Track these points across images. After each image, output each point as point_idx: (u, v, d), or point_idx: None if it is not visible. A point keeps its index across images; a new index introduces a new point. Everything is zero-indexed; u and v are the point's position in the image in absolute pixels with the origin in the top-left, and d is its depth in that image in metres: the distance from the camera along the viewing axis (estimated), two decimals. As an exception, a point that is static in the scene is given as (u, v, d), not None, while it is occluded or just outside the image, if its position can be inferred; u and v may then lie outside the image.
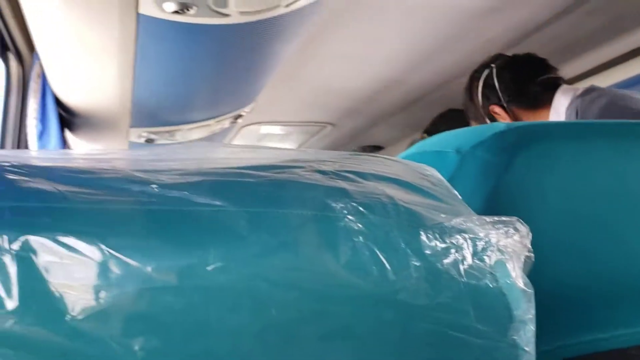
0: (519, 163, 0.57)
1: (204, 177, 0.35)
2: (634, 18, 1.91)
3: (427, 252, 0.32)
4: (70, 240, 0.29)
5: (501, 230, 0.35)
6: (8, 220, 0.30)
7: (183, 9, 0.97)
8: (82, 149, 0.45)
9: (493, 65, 1.48)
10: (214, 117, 1.82)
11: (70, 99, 1.55)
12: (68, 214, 0.31)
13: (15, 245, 0.28)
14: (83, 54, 1.19)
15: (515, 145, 0.58)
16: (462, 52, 2.13)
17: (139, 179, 0.34)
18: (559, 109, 1.31)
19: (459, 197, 0.43)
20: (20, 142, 1.60)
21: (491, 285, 0.33)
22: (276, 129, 3.20)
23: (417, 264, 0.32)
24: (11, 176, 0.33)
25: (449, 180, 0.59)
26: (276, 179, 0.35)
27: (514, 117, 1.43)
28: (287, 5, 1.03)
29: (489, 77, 1.47)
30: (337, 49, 1.96)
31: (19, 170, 0.34)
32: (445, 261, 0.32)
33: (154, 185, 0.33)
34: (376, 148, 3.82)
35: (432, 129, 2.93)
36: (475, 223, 0.35)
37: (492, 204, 0.56)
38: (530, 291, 0.35)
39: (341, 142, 3.55)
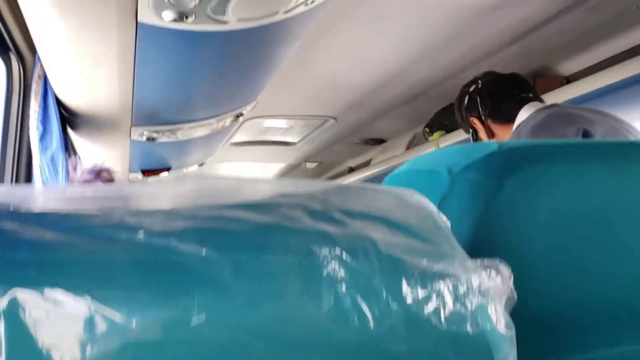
0: (509, 186, 0.57)
1: (191, 221, 0.36)
2: (636, 15, 1.90)
3: (409, 300, 0.33)
4: (57, 294, 0.29)
5: (483, 274, 0.36)
6: (-3, 273, 0.30)
7: (182, 17, 0.98)
8: (76, 187, 0.45)
9: (480, 81, 1.65)
10: (215, 116, 1.83)
11: (72, 100, 1.56)
12: (56, 266, 0.31)
13: (4, 301, 0.29)
14: (83, 58, 1.19)
15: (506, 167, 0.58)
16: (464, 48, 2.13)
17: (127, 225, 0.35)
18: (516, 124, 1.48)
19: (447, 230, 0.43)
20: (22, 144, 1.61)
21: (472, 331, 0.34)
22: (279, 123, 3.21)
23: (398, 312, 0.32)
24: (1, 223, 0.34)
25: (441, 201, 0.60)
26: (262, 222, 0.36)
27: (489, 130, 1.62)
28: (286, 12, 1.04)
29: (474, 91, 1.64)
30: (339, 45, 1.97)
31: (10, 215, 0.35)
32: (427, 308, 0.33)
33: (141, 232, 0.34)
34: (378, 141, 3.82)
35: (434, 123, 2.94)
36: (458, 267, 0.35)
37: (482, 226, 0.57)
38: (512, 334, 0.36)
39: (343, 135, 3.56)
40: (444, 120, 2.81)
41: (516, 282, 0.57)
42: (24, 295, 0.29)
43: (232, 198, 0.46)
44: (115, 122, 1.74)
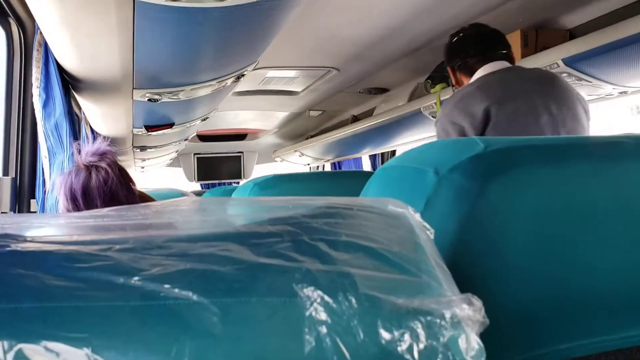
0: (493, 188, 0.59)
1: (182, 260, 0.38)
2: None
3: (384, 340, 0.35)
4: (59, 347, 0.32)
5: (456, 307, 0.38)
6: (3, 326, 0.33)
7: (178, -4, 0.97)
8: (77, 214, 0.48)
9: (461, 33, 1.76)
10: (216, 78, 1.83)
11: (73, 67, 1.56)
12: (58, 316, 0.34)
13: (10, 355, 0.32)
14: (83, 32, 1.19)
15: (491, 170, 0.60)
16: (466, 1, 2.10)
17: (123, 268, 0.37)
18: (471, 81, 1.66)
19: (428, 249, 0.46)
20: (25, 111, 1.62)
21: (444, 364, 0.36)
22: (282, 73, 3.20)
23: (375, 351, 0.35)
24: (5, 269, 0.36)
25: (426, 202, 0.62)
26: (249, 261, 0.38)
27: (456, 80, 1.80)
28: (285, -15, 1.03)
29: (454, 42, 1.77)
30: (341, -1, 1.94)
31: (11, 260, 0.37)
32: (401, 346, 0.36)
33: (136, 278, 0.36)
34: (381, 90, 3.81)
35: (436, 76, 2.92)
36: (432, 303, 0.38)
37: (466, 228, 0.59)
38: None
39: (346, 85, 3.55)
40: (445, 73, 2.79)
41: (497, 282, 0.60)
42: (29, 350, 0.32)
43: (222, 224, 0.48)
44: (117, 86, 1.74)
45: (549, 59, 1.99)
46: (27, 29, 1.62)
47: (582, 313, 0.61)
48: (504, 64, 1.64)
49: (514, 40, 2.29)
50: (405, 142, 4.05)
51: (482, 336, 0.39)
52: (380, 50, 2.69)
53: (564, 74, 1.98)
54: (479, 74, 1.64)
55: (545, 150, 0.63)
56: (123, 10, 1.04)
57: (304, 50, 2.62)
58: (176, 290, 0.36)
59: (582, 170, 0.62)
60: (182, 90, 1.87)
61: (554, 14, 2.26)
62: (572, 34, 2.26)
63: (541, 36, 2.26)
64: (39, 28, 1.42)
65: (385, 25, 2.28)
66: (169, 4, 1.01)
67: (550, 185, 0.61)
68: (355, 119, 4.47)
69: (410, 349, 0.36)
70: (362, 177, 2.21)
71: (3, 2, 1.50)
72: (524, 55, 2.22)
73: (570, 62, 1.93)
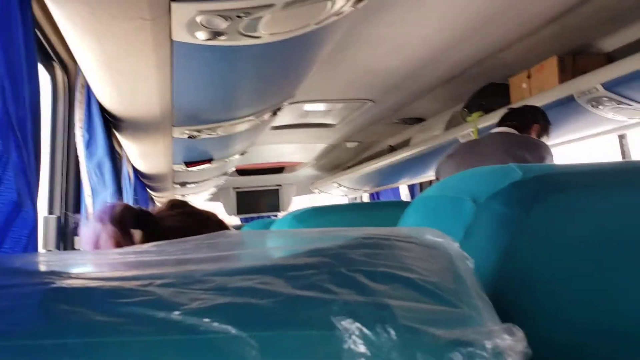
0: (534, 216, 0.58)
1: (221, 294, 0.38)
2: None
3: (424, 373, 0.35)
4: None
5: (497, 337, 0.37)
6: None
7: (214, 36, 1.00)
8: (119, 251, 0.49)
9: None
10: (254, 113, 1.86)
11: (114, 107, 1.60)
12: (101, 350, 0.34)
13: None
14: (122, 73, 1.23)
15: (531, 197, 0.59)
16: (503, 29, 2.09)
17: (164, 304, 0.38)
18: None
19: (468, 280, 0.45)
20: (70, 151, 1.67)
21: (487, 396, 0.36)
22: (319, 106, 3.23)
23: (415, 385, 0.35)
24: (51, 305, 0.37)
25: (465, 232, 0.61)
26: (287, 294, 0.38)
27: None
28: (317, 23, 1.05)
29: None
30: (377, 32, 1.96)
31: (59, 297, 0.38)
32: (442, 379, 0.35)
33: (176, 312, 0.37)
34: (417, 120, 3.80)
35: (472, 104, 2.91)
36: (473, 334, 0.37)
37: (508, 257, 0.58)
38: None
39: (382, 116, 3.55)
40: (481, 101, 2.78)
41: (541, 313, 0.58)
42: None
43: (260, 257, 0.49)
44: (157, 124, 1.79)
45: (588, 84, 1.96)
46: (70, 72, 1.67)
47: (633, 347, 0.59)
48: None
49: (551, 66, 2.27)
50: (443, 171, 4.01)
51: None
52: (415, 81, 2.69)
53: (604, 98, 1.95)
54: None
55: (586, 176, 0.62)
56: (161, 51, 1.07)
57: (339, 83, 2.64)
58: (215, 324, 0.36)
59: (628, 196, 0.60)
60: (221, 127, 1.90)
61: (591, 38, 2.23)
62: (611, 58, 2.23)
63: (578, 61, 2.23)
64: (81, 71, 1.47)
65: (420, 56, 2.29)
66: (206, 44, 1.04)
67: (595, 212, 0.59)
68: (392, 149, 4.46)
69: (451, 382, 0.35)
70: (400, 207, 2.20)
71: (48, 47, 1.56)
72: (562, 80, 2.19)
73: (610, 86, 1.89)
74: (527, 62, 2.46)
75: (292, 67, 1.38)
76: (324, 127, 3.76)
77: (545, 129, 2.10)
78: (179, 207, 0.95)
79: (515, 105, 2.35)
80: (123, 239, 0.83)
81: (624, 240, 0.59)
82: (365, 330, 0.36)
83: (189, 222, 0.94)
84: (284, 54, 1.22)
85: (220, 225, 0.97)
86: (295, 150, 4.82)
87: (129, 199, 2.48)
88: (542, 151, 1.96)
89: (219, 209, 6.44)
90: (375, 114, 3.40)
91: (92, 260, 0.46)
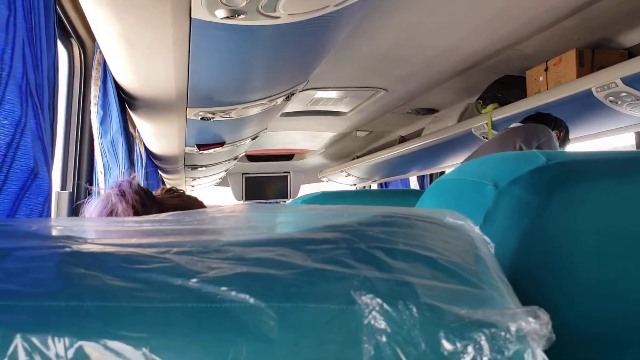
0: (555, 202, 0.57)
1: (240, 263, 0.38)
2: None
3: (446, 351, 0.34)
4: (118, 346, 0.32)
5: (521, 320, 0.37)
6: (65, 324, 0.33)
7: (234, 14, 0.99)
8: (135, 219, 0.49)
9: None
10: (267, 97, 1.85)
11: (130, 84, 1.60)
12: (118, 315, 0.34)
13: (71, 352, 0.32)
14: (140, 49, 1.22)
15: (553, 184, 0.58)
16: (521, 20, 2.06)
17: (181, 270, 0.37)
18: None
19: (489, 261, 0.44)
20: (84, 128, 1.67)
21: (508, 378, 0.35)
22: (330, 94, 3.21)
23: (436, 362, 0.34)
24: (67, 268, 0.37)
25: (486, 216, 0.60)
26: (307, 267, 0.38)
27: None
28: (337, 5, 1.03)
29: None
30: (392, 21, 1.94)
31: (75, 260, 0.38)
32: (464, 358, 0.34)
33: (193, 280, 0.36)
34: (430, 111, 3.77)
35: (487, 96, 2.88)
36: (496, 315, 0.36)
37: (527, 243, 0.57)
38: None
39: (394, 106, 3.53)
40: (497, 93, 2.75)
41: (560, 299, 0.57)
42: (89, 347, 0.32)
43: (280, 230, 0.48)
44: (172, 104, 1.78)
45: (607, 78, 1.94)
46: (87, 48, 1.67)
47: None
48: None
49: (569, 60, 2.24)
50: (454, 164, 3.99)
51: (547, 353, 0.37)
52: (429, 71, 2.67)
53: (623, 94, 1.92)
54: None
55: (610, 164, 0.61)
56: (179, 27, 1.07)
57: (352, 70, 2.62)
58: (233, 293, 0.35)
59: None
60: (234, 109, 1.89)
61: (612, 33, 2.20)
62: (631, 53, 2.20)
63: (598, 55, 2.20)
64: (98, 47, 1.46)
65: (436, 45, 2.27)
66: (225, 22, 1.03)
67: (616, 200, 0.58)
68: (403, 139, 4.44)
69: (473, 361, 0.34)
70: (412, 196, 2.19)
71: (67, 23, 1.55)
72: (580, 74, 2.17)
73: (630, 81, 1.87)
74: (545, 55, 2.44)
75: (307, 51, 1.37)
76: (334, 115, 3.74)
77: (562, 139, 2.14)
78: (175, 191, 1.02)
79: (532, 98, 2.36)
80: (143, 209, 0.86)
81: None
82: (385, 306, 0.35)
83: (190, 200, 1.00)
84: (301, 36, 1.20)
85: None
86: (305, 137, 4.81)
87: (140, 178, 2.49)
88: (538, 132, 2.05)
89: (227, 194, 6.46)
90: (388, 103, 3.37)
91: (108, 227, 0.46)
